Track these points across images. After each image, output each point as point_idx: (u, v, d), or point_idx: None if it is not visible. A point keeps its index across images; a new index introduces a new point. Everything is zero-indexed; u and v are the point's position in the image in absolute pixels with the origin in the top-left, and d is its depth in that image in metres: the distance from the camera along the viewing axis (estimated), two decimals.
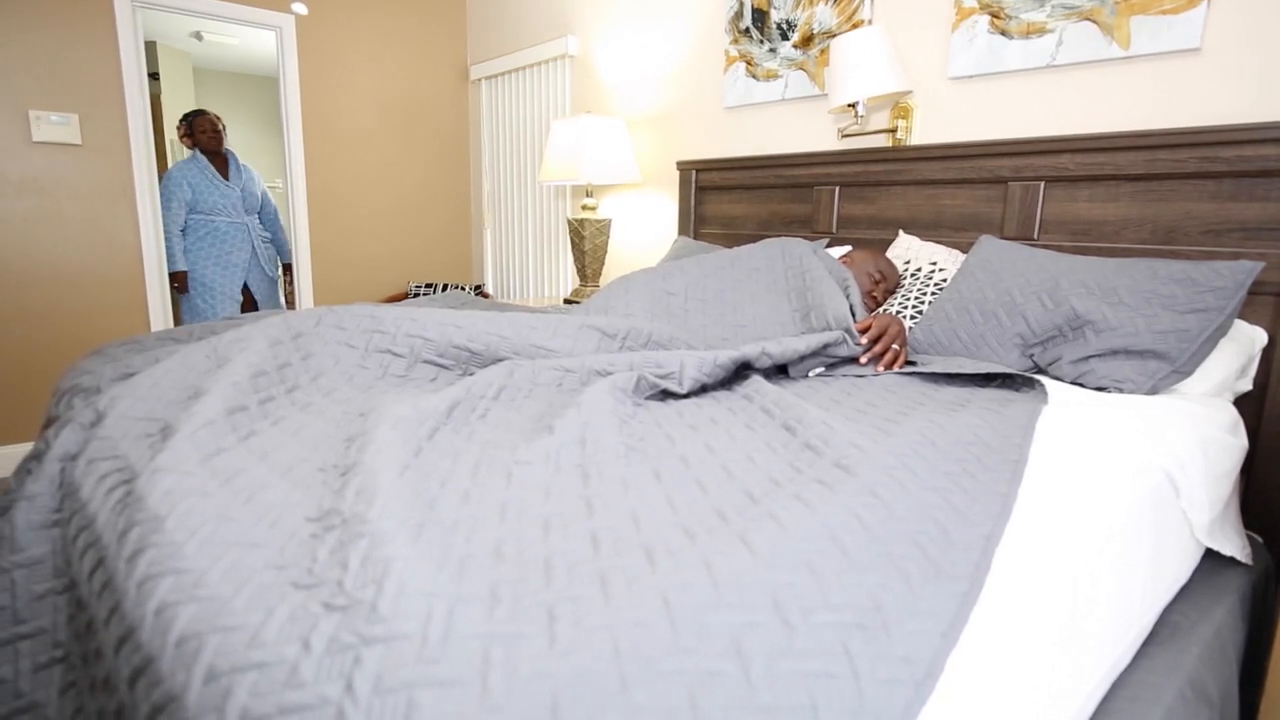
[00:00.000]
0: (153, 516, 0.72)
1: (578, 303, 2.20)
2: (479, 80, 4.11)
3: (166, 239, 3.50)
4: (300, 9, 3.58)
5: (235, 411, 0.99)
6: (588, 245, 3.00)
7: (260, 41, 5.16)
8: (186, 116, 3.72)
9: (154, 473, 0.79)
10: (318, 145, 3.76)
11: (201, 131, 3.68)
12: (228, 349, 1.17)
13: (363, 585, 0.59)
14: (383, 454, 0.83)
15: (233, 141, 6.36)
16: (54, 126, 3.02)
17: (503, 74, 3.91)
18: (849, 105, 2.10)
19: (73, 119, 3.06)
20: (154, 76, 4.52)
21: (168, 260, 3.51)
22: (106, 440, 0.93)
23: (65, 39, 3.02)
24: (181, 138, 3.74)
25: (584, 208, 3.05)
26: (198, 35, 5.00)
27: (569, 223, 3.03)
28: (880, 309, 1.87)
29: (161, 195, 3.47)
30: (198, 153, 3.66)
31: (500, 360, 1.32)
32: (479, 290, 4.09)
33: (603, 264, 3.09)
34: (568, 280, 3.66)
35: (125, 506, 0.76)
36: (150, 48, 4.47)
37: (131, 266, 3.29)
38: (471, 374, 1.29)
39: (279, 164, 6.49)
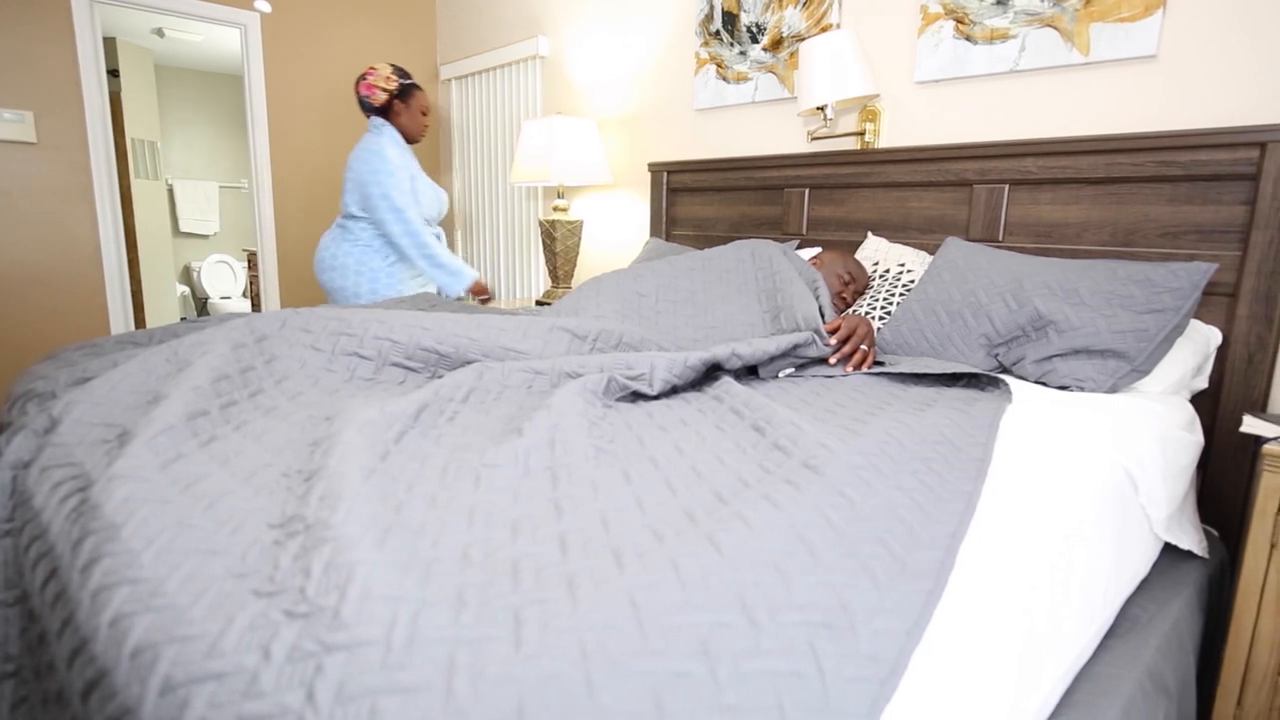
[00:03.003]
0: (108, 525, 0.70)
1: (549, 304, 2.20)
2: (449, 80, 4.08)
3: (416, 237, 2.44)
4: (264, 7, 3.52)
5: (196, 416, 0.97)
6: (559, 247, 2.99)
7: (225, 38, 5.07)
8: (403, 74, 2.55)
9: (110, 480, 0.77)
10: (284, 144, 3.70)
11: (424, 112, 2.60)
12: (188, 352, 1.15)
13: (325, 592, 0.58)
14: (348, 458, 0.81)
15: (197, 141, 6.25)
16: (7, 124, 2.94)
17: (473, 74, 3.88)
18: (818, 108, 2.12)
19: (27, 116, 2.98)
20: (114, 74, 4.41)
21: (455, 272, 2.48)
22: (61, 447, 0.91)
23: (18, 33, 2.94)
24: (372, 90, 2.49)
25: (556, 209, 3.04)
26: (159, 32, 4.90)
27: (540, 224, 3.02)
28: (849, 310, 1.89)
29: (395, 189, 2.41)
30: (395, 133, 2.53)
31: (469, 363, 1.31)
32: None
33: (575, 265, 3.08)
34: (540, 282, 3.65)
35: (80, 515, 0.74)
36: (110, 44, 4.36)
37: (90, 268, 3.20)
38: (440, 376, 1.28)
39: (244, 163, 6.39)
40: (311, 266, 3.88)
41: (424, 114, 2.61)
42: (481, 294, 2.59)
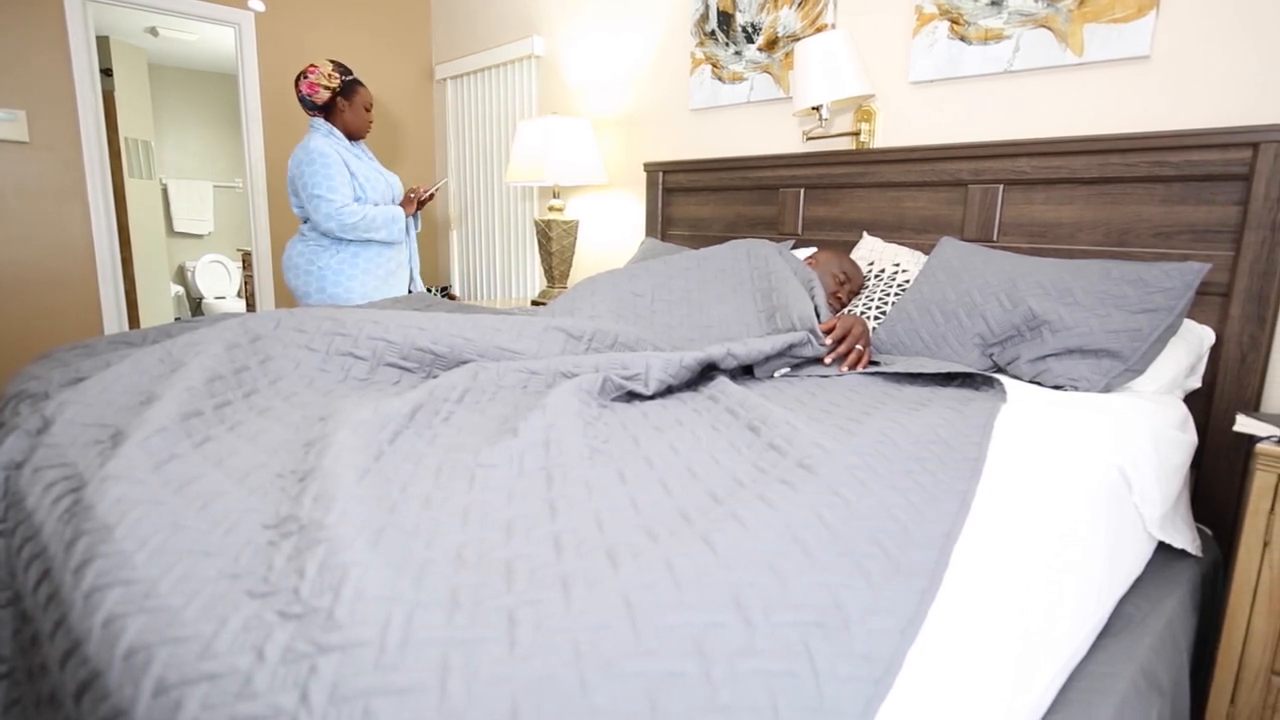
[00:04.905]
0: (101, 526, 0.69)
1: (545, 304, 2.19)
2: (444, 80, 4.07)
3: (342, 219, 2.40)
4: (258, 6, 3.51)
5: (190, 417, 0.97)
6: (555, 246, 2.99)
7: (220, 37, 5.05)
8: (344, 70, 2.50)
9: (103, 480, 0.77)
10: (279, 144, 3.69)
11: (367, 107, 2.55)
12: (182, 353, 1.14)
13: (320, 592, 0.58)
14: (342, 459, 0.81)
15: (191, 140, 6.23)
16: None
17: (468, 74, 3.88)
18: (813, 108, 2.13)
19: (20, 115, 2.96)
20: (107, 73, 4.39)
21: (388, 219, 2.51)
22: (54, 448, 0.90)
23: (10, 32, 2.92)
24: (315, 89, 2.43)
25: (551, 209, 3.04)
26: (153, 31, 4.88)
27: (536, 224, 3.02)
28: (845, 310, 1.90)
29: (315, 179, 2.37)
30: (333, 129, 2.49)
31: (465, 363, 1.31)
32: (445, 291, 4.05)
33: (570, 265, 3.08)
34: (535, 282, 3.64)
35: (73, 516, 0.74)
36: (103, 43, 4.33)
37: (84, 267, 3.19)
38: (435, 377, 1.28)
39: (239, 163, 6.37)
40: None
41: (367, 109, 2.55)
42: (412, 197, 2.69)
